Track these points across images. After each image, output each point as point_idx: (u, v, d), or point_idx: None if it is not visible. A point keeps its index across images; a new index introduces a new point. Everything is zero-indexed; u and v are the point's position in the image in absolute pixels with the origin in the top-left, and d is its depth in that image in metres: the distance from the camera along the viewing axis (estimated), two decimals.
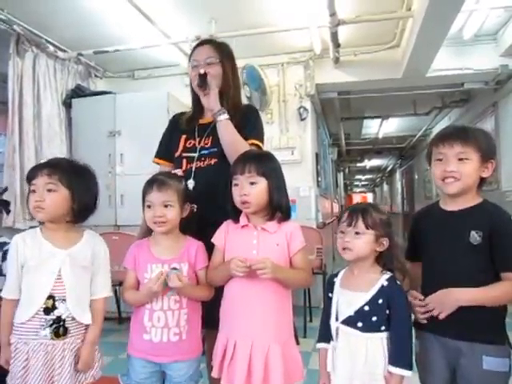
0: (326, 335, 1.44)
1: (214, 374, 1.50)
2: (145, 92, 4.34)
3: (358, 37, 4.18)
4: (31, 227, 3.29)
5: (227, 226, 1.58)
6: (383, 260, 1.41)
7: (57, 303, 1.40)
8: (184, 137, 1.86)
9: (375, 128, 7.79)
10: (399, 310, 1.34)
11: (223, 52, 1.86)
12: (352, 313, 1.35)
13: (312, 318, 3.88)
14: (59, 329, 1.39)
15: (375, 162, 13.15)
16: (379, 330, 1.34)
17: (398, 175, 13.98)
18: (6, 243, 1.83)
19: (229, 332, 1.50)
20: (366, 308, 1.34)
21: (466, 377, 1.34)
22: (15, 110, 3.70)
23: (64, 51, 4.25)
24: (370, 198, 25.12)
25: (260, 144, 1.80)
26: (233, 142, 1.71)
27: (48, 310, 1.39)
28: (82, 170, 1.54)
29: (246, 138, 1.74)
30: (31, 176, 1.45)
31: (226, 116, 1.72)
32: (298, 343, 3.30)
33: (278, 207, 1.52)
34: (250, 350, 1.44)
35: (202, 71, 1.76)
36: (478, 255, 1.34)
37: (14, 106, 3.69)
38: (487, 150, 1.39)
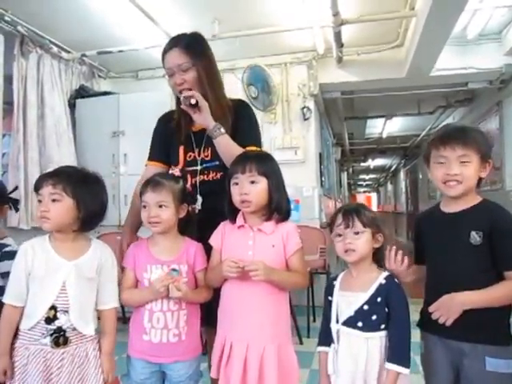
0: (325, 339, 1.45)
1: (213, 375, 1.51)
2: (148, 92, 4.34)
3: (361, 36, 4.17)
4: (33, 227, 3.28)
5: (224, 227, 1.58)
6: (377, 257, 1.43)
7: (58, 314, 1.39)
8: (182, 148, 1.79)
9: (379, 128, 7.77)
10: (397, 308, 1.34)
11: (194, 52, 1.71)
12: (352, 313, 1.36)
13: (315, 317, 3.88)
14: (59, 338, 1.39)
15: (379, 161, 13.12)
16: (379, 329, 1.34)
17: (402, 175, 13.95)
18: (5, 245, 1.83)
19: (226, 333, 1.51)
20: (366, 307, 1.35)
21: (469, 378, 1.34)
22: (20, 110, 3.72)
23: (68, 52, 4.26)
24: (373, 197, 25.12)
25: (258, 148, 1.76)
26: (234, 157, 1.62)
27: (49, 320, 1.39)
28: (88, 178, 1.53)
29: (242, 145, 1.68)
30: (37, 186, 1.46)
31: (222, 131, 1.65)
32: (301, 343, 3.33)
33: (277, 207, 1.52)
34: (245, 351, 1.44)
35: (193, 101, 1.63)
36: (479, 256, 1.34)
37: (18, 107, 3.72)
38: (486, 151, 1.40)
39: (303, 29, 3.87)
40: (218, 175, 1.74)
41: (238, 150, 1.65)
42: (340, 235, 1.41)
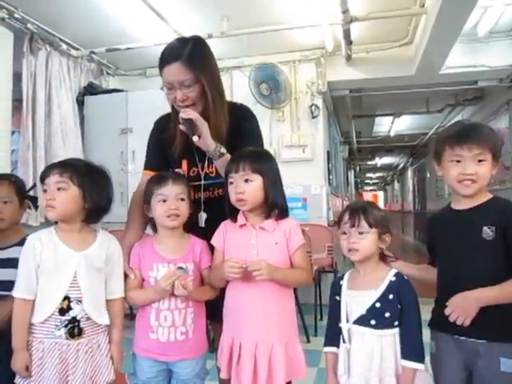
0: (332, 339, 1.44)
1: (223, 376, 1.49)
2: (156, 90, 4.33)
3: (370, 34, 4.15)
4: (41, 223, 3.24)
5: (225, 226, 1.57)
6: (384, 255, 1.43)
7: (72, 304, 1.40)
8: (185, 162, 1.73)
9: (387, 126, 7.73)
10: (409, 304, 1.34)
11: (198, 65, 1.58)
12: (364, 311, 1.35)
13: (323, 316, 3.87)
14: (74, 329, 1.39)
15: (386, 160, 13.08)
16: (392, 326, 1.34)
17: (409, 173, 13.89)
18: None
19: (233, 333, 1.50)
20: (378, 305, 1.34)
21: (482, 378, 1.33)
22: (29, 107, 3.74)
23: (76, 49, 4.28)
24: (380, 196, 25.02)
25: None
26: None
27: (63, 311, 1.39)
28: (94, 170, 1.53)
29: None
30: (43, 176, 1.46)
31: (222, 152, 1.57)
32: (308, 341, 3.32)
33: (274, 204, 1.50)
34: (254, 350, 1.44)
35: (184, 116, 1.53)
36: (492, 251, 1.33)
37: (27, 104, 3.73)
38: (498, 149, 1.39)
39: (312, 26, 3.85)
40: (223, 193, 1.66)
41: None
42: (345, 233, 1.40)
